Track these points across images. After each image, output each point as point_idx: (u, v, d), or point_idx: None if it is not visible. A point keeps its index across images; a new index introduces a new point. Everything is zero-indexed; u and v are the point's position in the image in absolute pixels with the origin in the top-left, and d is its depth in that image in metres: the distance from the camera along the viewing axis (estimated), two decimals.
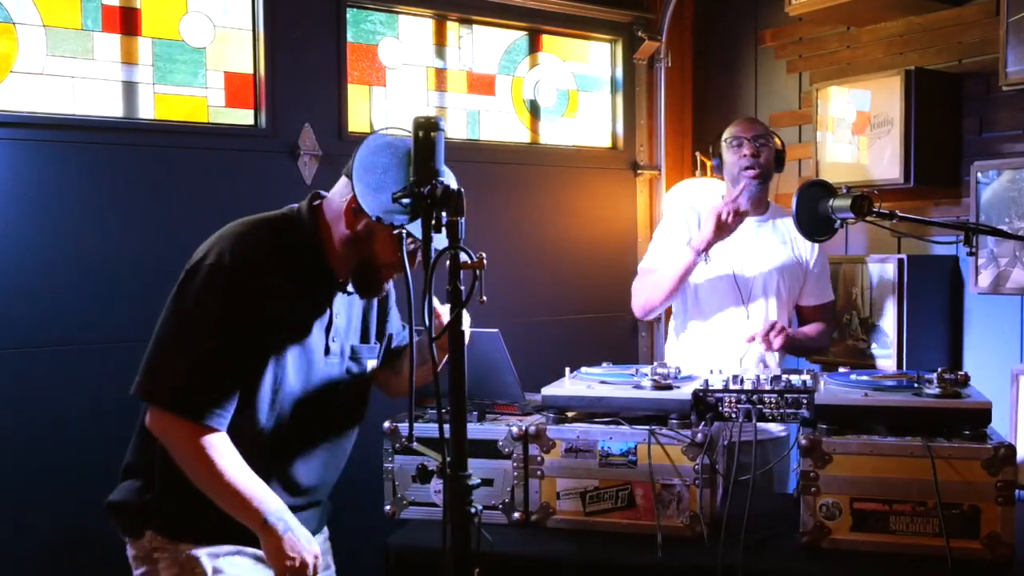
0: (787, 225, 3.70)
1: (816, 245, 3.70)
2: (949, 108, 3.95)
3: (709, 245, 3.48)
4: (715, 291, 3.70)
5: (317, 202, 2.41)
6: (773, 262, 3.70)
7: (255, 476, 2.27)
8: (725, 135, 3.74)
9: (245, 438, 2.30)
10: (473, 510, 1.81)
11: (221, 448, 2.24)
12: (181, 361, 2.25)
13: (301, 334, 2.35)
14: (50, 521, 3.50)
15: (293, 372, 2.35)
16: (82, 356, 3.54)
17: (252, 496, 2.24)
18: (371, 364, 2.56)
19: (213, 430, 2.24)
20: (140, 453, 2.40)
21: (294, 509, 2.34)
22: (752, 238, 3.71)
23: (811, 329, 3.77)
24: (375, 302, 2.57)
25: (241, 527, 2.28)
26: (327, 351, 2.41)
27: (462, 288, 1.81)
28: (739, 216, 3.45)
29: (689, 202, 4.03)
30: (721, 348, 3.63)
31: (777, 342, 3.44)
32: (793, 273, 3.73)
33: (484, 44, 4.67)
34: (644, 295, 3.72)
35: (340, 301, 2.44)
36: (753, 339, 3.46)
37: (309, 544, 2.26)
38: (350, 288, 2.42)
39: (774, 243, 3.73)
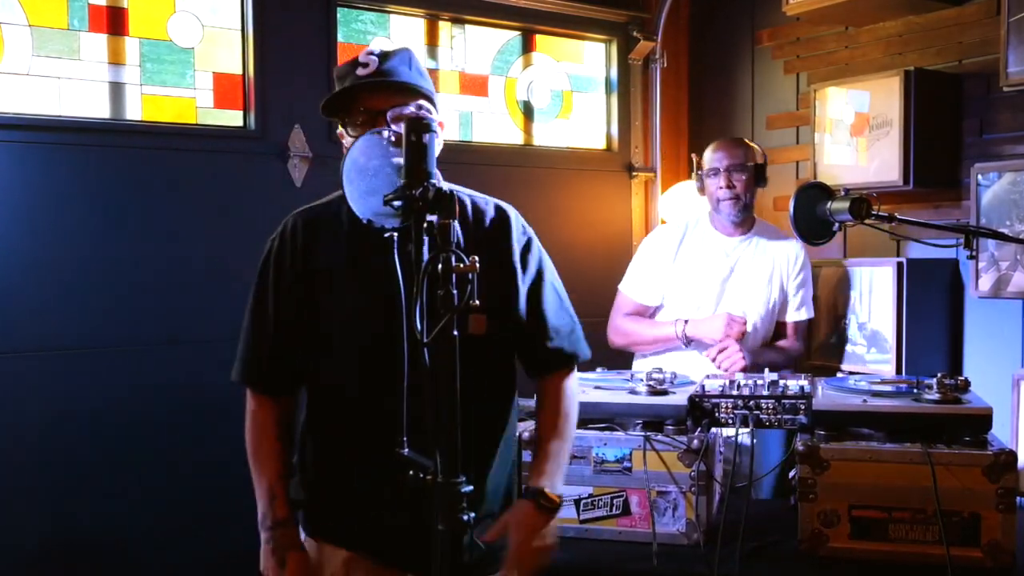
0: (769, 244, 3.78)
1: (800, 263, 3.78)
2: (949, 109, 3.93)
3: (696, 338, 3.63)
4: (695, 311, 3.75)
5: None
6: (752, 282, 3.73)
7: (279, 460, 2.31)
8: (705, 163, 3.81)
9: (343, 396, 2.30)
10: (465, 518, 1.75)
11: (257, 412, 2.32)
12: (244, 335, 2.35)
13: (360, 279, 2.28)
14: (49, 524, 3.49)
15: (363, 319, 2.28)
16: (68, 361, 3.51)
17: (260, 478, 2.30)
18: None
19: (257, 392, 2.32)
20: None
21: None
22: (733, 258, 3.76)
23: (777, 351, 3.79)
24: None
25: (377, 531, 2.28)
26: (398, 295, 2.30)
27: (454, 292, 1.77)
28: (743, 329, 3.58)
29: (673, 221, 4.05)
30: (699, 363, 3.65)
31: (728, 364, 3.48)
32: (771, 292, 3.76)
33: (477, 44, 4.65)
34: (621, 340, 3.87)
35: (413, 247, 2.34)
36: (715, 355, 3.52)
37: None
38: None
39: (754, 262, 3.77)
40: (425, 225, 1.81)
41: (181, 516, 3.68)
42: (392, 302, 2.24)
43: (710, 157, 3.79)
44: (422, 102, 2.26)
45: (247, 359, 2.33)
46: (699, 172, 3.87)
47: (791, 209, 3.05)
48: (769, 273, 3.75)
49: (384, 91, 2.25)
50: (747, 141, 3.88)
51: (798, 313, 3.80)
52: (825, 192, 3.03)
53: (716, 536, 2.57)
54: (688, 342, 3.62)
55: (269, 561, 2.28)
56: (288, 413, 2.36)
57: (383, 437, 2.20)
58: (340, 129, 2.31)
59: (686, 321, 3.62)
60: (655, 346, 3.74)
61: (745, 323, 3.57)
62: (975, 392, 2.73)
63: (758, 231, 3.81)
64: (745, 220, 3.79)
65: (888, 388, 2.79)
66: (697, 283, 3.74)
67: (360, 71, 2.23)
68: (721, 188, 3.70)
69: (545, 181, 4.73)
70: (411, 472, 1.83)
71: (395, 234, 2.06)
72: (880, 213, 2.88)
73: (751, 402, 2.70)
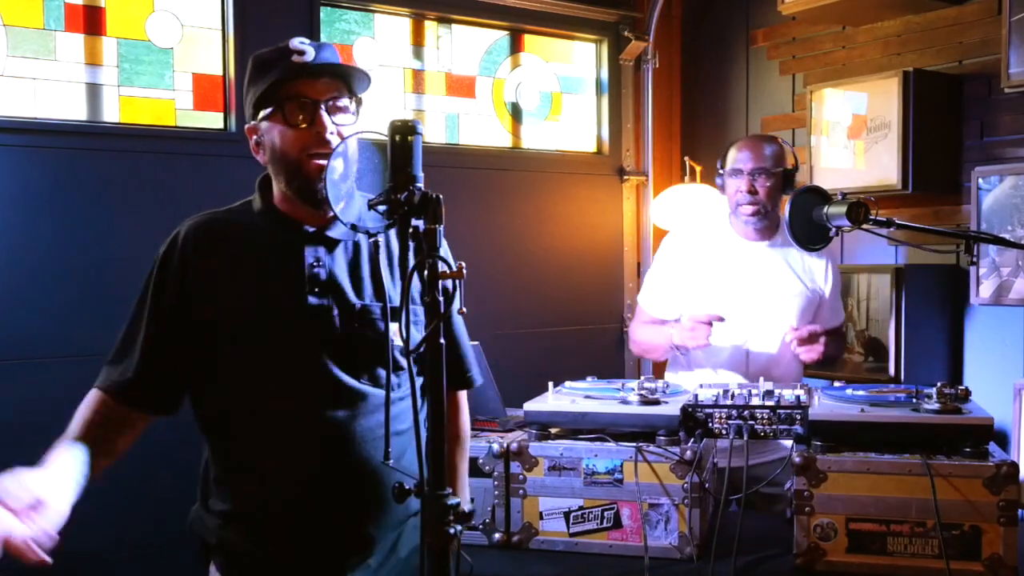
0: (798, 250, 3.41)
1: (830, 268, 3.50)
2: (949, 111, 3.93)
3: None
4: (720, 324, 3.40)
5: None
6: (782, 291, 3.45)
7: (73, 444, 2.10)
8: (727, 160, 3.45)
9: (245, 412, 2.17)
10: (452, 531, 1.71)
11: (88, 400, 2.19)
12: (123, 346, 2.24)
13: (258, 289, 2.19)
14: None
15: (257, 327, 2.18)
16: (46, 369, 3.49)
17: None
18: (393, 328, 2.24)
19: (101, 390, 2.19)
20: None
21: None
22: (761, 265, 3.46)
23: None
24: (394, 256, 2.31)
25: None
26: (305, 306, 2.18)
27: (440, 299, 1.71)
28: (710, 326, 3.29)
29: (689, 226, 3.76)
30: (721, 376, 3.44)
31: (807, 355, 3.27)
32: (805, 301, 3.46)
33: (464, 44, 4.65)
34: (636, 348, 3.74)
35: (326, 253, 2.23)
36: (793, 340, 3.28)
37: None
38: (335, 233, 2.22)
39: (783, 270, 3.47)
40: (411, 230, 1.78)
41: (159, 525, 3.61)
42: (325, 313, 2.19)
43: (734, 156, 3.41)
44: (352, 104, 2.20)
45: (122, 375, 2.19)
46: (721, 170, 3.49)
47: (786, 213, 3.01)
48: (800, 278, 3.46)
49: (323, 78, 2.17)
50: (780, 141, 3.49)
51: (832, 319, 3.51)
52: (821, 196, 2.99)
53: (710, 550, 2.53)
54: (680, 349, 3.42)
55: None
56: (137, 430, 2.21)
57: (326, 460, 2.18)
58: (258, 123, 2.22)
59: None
60: (660, 352, 3.55)
61: (712, 318, 3.26)
62: (976, 402, 2.69)
63: (786, 237, 3.27)
64: (770, 225, 3.47)
65: (887, 398, 2.76)
66: (719, 294, 3.43)
67: (296, 58, 2.14)
68: (741, 192, 3.35)
69: (534, 185, 4.72)
70: (396, 485, 1.79)
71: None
72: (878, 218, 2.85)
73: (745, 412, 2.65)
